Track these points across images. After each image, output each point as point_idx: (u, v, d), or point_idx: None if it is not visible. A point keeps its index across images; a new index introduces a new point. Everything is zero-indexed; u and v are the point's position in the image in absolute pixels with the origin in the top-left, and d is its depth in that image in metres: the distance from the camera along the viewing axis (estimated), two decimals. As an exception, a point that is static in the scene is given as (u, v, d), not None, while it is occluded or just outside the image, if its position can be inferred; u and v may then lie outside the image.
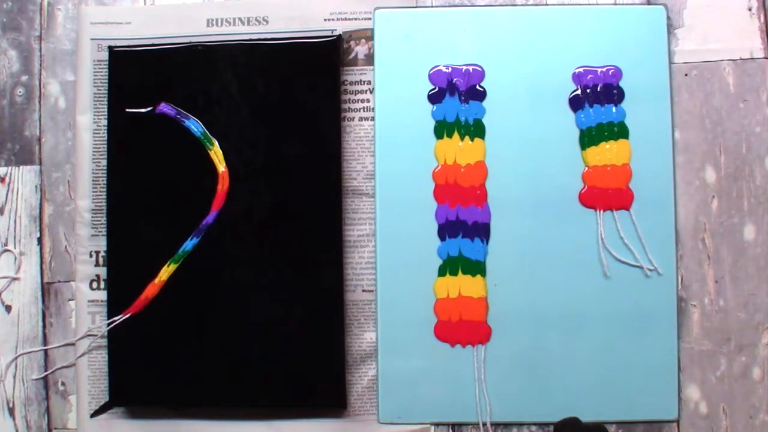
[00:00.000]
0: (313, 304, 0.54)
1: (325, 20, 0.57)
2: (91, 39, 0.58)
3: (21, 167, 0.58)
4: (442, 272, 0.55)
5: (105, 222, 0.56)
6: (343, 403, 0.54)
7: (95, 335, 0.56)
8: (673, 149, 0.55)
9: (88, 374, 0.56)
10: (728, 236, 0.55)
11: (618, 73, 0.56)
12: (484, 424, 0.54)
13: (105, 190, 0.56)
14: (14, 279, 0.58)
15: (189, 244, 0.54)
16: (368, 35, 0.57)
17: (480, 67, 0.56)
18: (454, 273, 0.55)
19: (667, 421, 0.54)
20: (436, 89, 0.56)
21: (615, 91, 0.55)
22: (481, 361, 0.54)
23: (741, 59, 0.56)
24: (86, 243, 0.57)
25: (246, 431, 0.55)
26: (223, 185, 0.55)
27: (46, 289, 0.58)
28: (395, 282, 0.55)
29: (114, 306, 0.55)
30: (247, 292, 0.54)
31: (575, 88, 0.55)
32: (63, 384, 0.57)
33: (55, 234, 0.58)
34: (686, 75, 0.56)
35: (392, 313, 0.55)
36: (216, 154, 0.55)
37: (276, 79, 0.55)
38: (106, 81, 0.56)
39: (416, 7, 0.58)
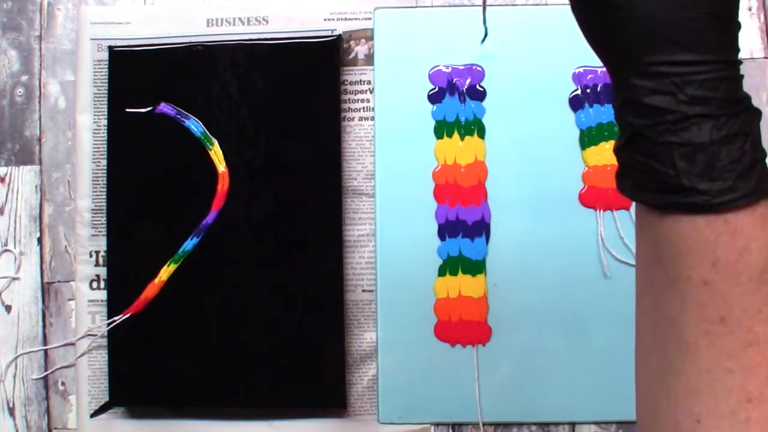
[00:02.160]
0: (313, 304, 0.54)
1: (325, 20, 0.57)
2: (91, 39, 0.58)
3: (21, 167, 0.58)
4: (442, 272, 0.55)
5: (105, 222, 0.56)
6: (343, 403, 0.54)
7: (95, 335, 0.56)
8: (673, 149, 0.55)
9: (88, 374, 0.56)
10: (728, 236, 0.55)
11: (618, 73, 0.56)
12: (484, 424, 0.54)
13: (105, 190, 0.56)
14: (14, 279, 0.58)
15: (189, 244, 0.54)
16: (368, 35, 0.57)
17: (480, 67, 0.56)
18: (454, 273, 0.55)
19: (667, 421, 0.54)
20: (436, 89, 0.56)
21: (615, 91, 0.55)
22: (481, 361, 0.54)
23: (741, 59, 0.56)
24: (86, 243, 0.57)
25: (246, 431, 0.55)
26: (223, 185, 0.55)
27: (46, 289, 0.57)
28: (395, 282, 0.55)
29: (114, 306, 0.55)
30: (247, 292, 0.54)
31: (575, 88, 0.55)
32: (63, 384, 0.57)
33: (55, 234, 0.58)
34: (686, 75, 0.56)
35: (392, 313, 0.55)
36: (216, 154, 0.55)
37: (276, 79, 0.55)
38: (106, 81, 0.56)
39: (416, 7, 0.58)
